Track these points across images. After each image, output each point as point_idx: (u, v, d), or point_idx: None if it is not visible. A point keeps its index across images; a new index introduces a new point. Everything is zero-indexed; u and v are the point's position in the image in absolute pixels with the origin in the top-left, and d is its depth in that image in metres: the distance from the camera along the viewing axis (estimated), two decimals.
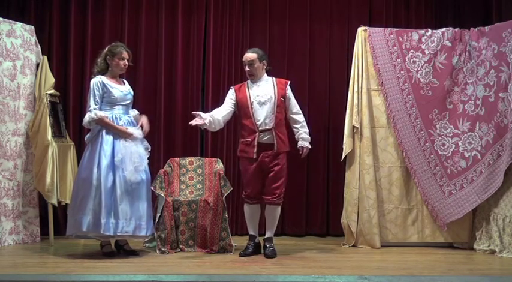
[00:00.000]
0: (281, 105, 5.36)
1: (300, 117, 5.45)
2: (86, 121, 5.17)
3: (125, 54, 5.32)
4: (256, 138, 5.28)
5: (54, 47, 6.44)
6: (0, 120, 5.61)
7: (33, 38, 5.97)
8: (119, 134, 5.16)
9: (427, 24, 6.51)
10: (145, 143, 5.35)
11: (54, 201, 5.70)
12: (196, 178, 5.96)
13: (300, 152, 5.43)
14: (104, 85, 5.20)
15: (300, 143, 5.41)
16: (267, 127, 5.28)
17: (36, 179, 5.73)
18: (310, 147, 5.46)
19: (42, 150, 5.69)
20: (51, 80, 5.95)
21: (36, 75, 5.94)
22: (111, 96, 5.22)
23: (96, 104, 5.16)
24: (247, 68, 5.38)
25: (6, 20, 5.74)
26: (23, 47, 5.85)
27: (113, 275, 4.41)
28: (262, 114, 5.29)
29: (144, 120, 5.36)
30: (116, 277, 4.33)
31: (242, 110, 5.38)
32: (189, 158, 6.06)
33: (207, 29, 6.63)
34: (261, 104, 5.31)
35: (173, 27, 6.60)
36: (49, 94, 5.88)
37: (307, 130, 5.45)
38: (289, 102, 5.42)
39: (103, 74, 5.29)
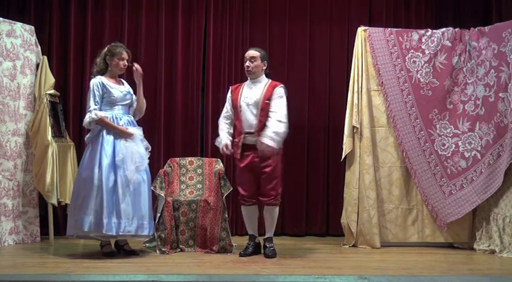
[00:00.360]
0: (266, 108, 5.21)
1: (275, 115, 5.15)
2: (86, 122, 5.18)
3: (125, 55, 5.32)
4: (241, 140, 5.27)
5: (54, 47, 6.44)
6: (0, 120, 5.61)
7: (33, 38, 5.97)
8: (120, 134, 5.17)
9: (427, 24, 6.51)
10: (146, 143, 5.35)
11: (54, 201, 5.70)
12: (196, 178, 5.96)
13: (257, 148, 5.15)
14: (103, 85, 5.21)
15: (260, 138, 5.10)
16: (251, 130, 5.23)
17: (36, 179, 5.73)
18: (271, 146, 5.05)
19: (42, 150, 5.69)
20: (51, 80, 5.95)
21: (36, 75, 5.94)
22: (111, 97, 5.22)
23: (96, 105, 5.16)
24: (246, 64, 5.32)
25: (6, 20, 5.74)
26: (23, 47, 5.85)
27: (113, 275, 4.41)
28: (249, 117, 5.24)
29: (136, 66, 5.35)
30: (115, 277, 4.33)
31: (234, 110, 5.37)
32: (189, 158, 6.06)
33: (207, 29, 6.63)
34: (248, 105, 5.26)
35: (173, 27, 6.60)
36: (49, 94, 5.89)
37: (277, 129, 5.09)
38: (272, 101, 5.21)
39: (102, 74, 5.29)
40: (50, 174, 5.65)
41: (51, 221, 5.78)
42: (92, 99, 5.17)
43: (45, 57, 5.99)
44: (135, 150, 5.17)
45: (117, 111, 5.26)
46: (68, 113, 6.35)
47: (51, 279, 4.29)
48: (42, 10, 6.45)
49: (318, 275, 4.43)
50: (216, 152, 6.41)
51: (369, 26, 6.22)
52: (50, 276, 4.36)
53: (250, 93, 5.30)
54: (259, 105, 5.22)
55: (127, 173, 5.07)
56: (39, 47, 6.02)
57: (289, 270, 4.76)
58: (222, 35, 6.62)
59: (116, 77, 5.37)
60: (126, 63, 5.34)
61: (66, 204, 5.86)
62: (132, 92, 5.42)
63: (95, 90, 5.18)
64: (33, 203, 5.89)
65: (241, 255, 5.27)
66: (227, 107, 5.45)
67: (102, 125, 5.15)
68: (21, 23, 5.89)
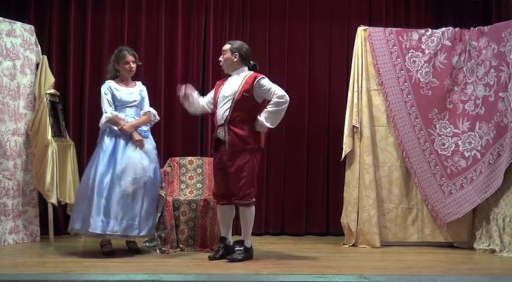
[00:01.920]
0: (241, 100, 5.03)
1: (272, 100, 5.03)
2: (102, 122, 5.27)
3: (129, 58, 5.39)
4: (215, 133, 5.17)
5: (54, 46, 6.43)
6: (0, 120, 5.61)
7: (33, 38, 5.97)
8: (125, 133, 5.23)
9: (427, 24, 6.50)
10: (153, 153, 5.37)
11: (54, 201, 5.70)
12: (196, 178, 5.96)
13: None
14: (110, 89, 5.33)
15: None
16: (221, 122, 5.09)
17: (36, 179, 5.73)
18: (266, 127, 5.04)
19: (42, 150, 5.69)
20: (51, 79, 5.95)
21: (36, 74, 5.94)
22: (117, 99, 5.32)
23: (110, 105, 5.29)
24: (219, 58, 5.28)
25: (6, 19, 5.74)
26: (22, 47, 5.84)
27: (113, 274, 4.41)
28: (222, 109, 5.10)
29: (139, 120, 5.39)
30: (115, 276, 4.32)
31: (214, 104, 5.27)
32: (189, 158, 6.07)
33: (207, 29, 6.63)
34: (224, 98, 5.12)
35: (173, 28, 6.59)
36: (49, 94, 5.89)
37: (272, 108, 5.02)
38: (260, 92, 5.06)
39: (114, 79, 5.41)
40: (50, 174, 5.65)
41: (51, 220, 5.78)
42: (105, 102, 5.30)
43: (45, 57, 5.99)
44: (138, 161, 5.20)
45: (128, 112, 5.36)
46: (67, 113, 6.36)
47: (51, 279, 4.28)
48: (42, 10, 6.44)
49: (318, 274, 4.43)
50: None
51: (369, 25, 6.22)
52: (49, 276, 4.36)
53: (228, 85, 5.17)
54: (235, 97, 5.05)
55: (121, 183, 5.10)
56: (39, 46, 6.02)
57: (289, 269, 4.76)
58: (222, 35, 6.61)
59: (128, 80, 5.46)
60: (132, 65, 5.41)
61: (66, 203, 5.88)
62: (144, 93, 5.50)
63: (105, 94, 5.32)
64: (33, 203, 5.88)
65: (210, 258, 5.11)
66: (207, 98, 5.37)
67: (113, 123, 5.22)
68: (21, 23, 5.89)
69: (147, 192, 5.22)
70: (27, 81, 5.88)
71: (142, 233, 5.22)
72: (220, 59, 5.28)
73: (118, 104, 5.32)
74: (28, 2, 6.42)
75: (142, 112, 5.43)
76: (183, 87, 5.22)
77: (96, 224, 5.03)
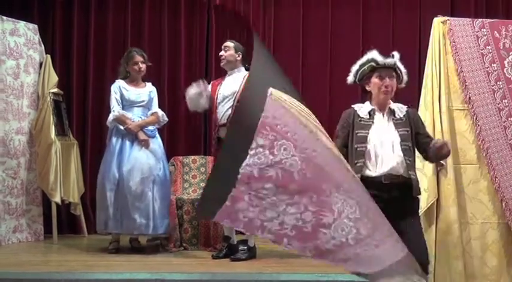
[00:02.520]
0: None
1: None
2: (109, 120, 5.30)
3: (137, 58, 5.39)
4: (215, 133, 5.15)
5: (58, 45, 6.44)
6: (3, 119, 5.62)
7: (37, 37, 5.98)
8: (131, 133, 5.24)
9: None
10: (156, 142, 5.36)
11: (58, 200, 5.71)
12: (199, 177, 5.96)
13: None
14: (119, 88, 5.35)
15: None
16: (223, 122, 5.04)
17: (40, 178, 5.74)
18: None
19: (46, 149, 5.70)
20: (55, 78, 5.96)
21: (39, 73, 5.94)
22: (125, 98, 5.34)
23: (118, 104, 5.31)
24: (220, 53, 5.21)
25: (9, 18, 5.75)
26: (26, 46, 5.85)
27: (116, 273, 4.41)
28: (224, 108, 5.07)
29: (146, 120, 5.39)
30: (119, 275, 4.32)
31: (211, 104, 5.22)
32: (192, 157, 6.07)
33: (209, 29, 6.63)
34: (224, 97, 5.08)
35: (176, 27, 6.59)
36: (52, 93, 5.90)
37: None
38: None
39: (125, 80, 5.44)
40: (54, 173, 5.66)
41: (55, 219, 5.78)
42: (113, 100, 5.32)
43: (49, 56, 6.00)
44: (145, 161, 5.22)
45: (136, 112, 5.37)
46: (71, 112, 6.37)
47: (54, 278, 4.28)
48: (45, 9, 6.45)
49: (321, 273, 4.42)
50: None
51: (450, 15, 4.83)
52: (53, 275, 4.36)
53: (228, 84, 5.14)
54: (237, 96, 5.00)
55: (130, 184, 5.12)
56: (42, 45, 6.03)
57: (292, 268, 4.75)
58: (224, 32, 6.60)
59: (138, 81, 5.46)
60: (141, 66, 5.41)
61: (69, 202, 5.89)
62: (153, 94, 5.49)
63: (114, 93, 5.35)
64: (36, 202, 5.89)
65: (213, 257, 5.09)
66: None
67: (120, 122, 5.24)
68: (24, 22, 5.90)
69: (157, 191, 5.23)
70: (31, 80, 5.89)
71: (160, 231, 5.25)
72: (222, 53, 5.21)
73: (126, 103, 5.33)
74: (31, 1, 6.44)
75: (149, 113, 5.43)
76: (203, 84, 5.15)
77: (112, 225, 5.12)
